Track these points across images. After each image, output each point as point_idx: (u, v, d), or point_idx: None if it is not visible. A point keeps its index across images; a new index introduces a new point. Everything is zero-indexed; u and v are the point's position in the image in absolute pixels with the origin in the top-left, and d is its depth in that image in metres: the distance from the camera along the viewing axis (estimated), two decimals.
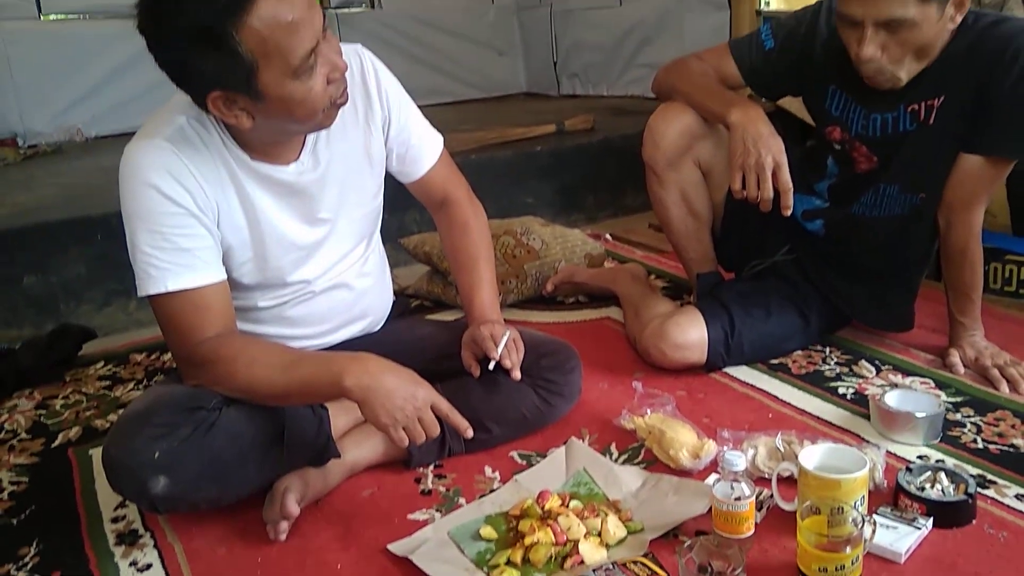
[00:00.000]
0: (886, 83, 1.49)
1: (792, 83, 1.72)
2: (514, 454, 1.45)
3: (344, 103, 1.22)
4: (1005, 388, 1.57)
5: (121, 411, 1.69)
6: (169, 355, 2.03)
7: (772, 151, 1.52)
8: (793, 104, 1.83)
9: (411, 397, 1.18)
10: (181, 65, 1.11)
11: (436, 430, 1.20)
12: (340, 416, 1.39)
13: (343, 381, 1.15)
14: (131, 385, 1.89)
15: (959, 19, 1.43)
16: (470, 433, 1.26)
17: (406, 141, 1.46)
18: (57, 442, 1.64)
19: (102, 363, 2.02)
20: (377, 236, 1.57)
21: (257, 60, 1.08)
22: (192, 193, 1.20)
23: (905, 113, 1.55)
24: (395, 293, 1.69)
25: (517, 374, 1.40)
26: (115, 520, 1.35)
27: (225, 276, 1.27)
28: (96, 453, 1.54)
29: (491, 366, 1.40)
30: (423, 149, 1.49)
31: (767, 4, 4.05)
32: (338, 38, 1.20)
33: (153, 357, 2.04)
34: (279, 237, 1.33)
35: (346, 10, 4.56)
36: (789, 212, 1.56)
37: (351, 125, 1.36)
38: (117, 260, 2.21)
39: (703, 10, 3.68)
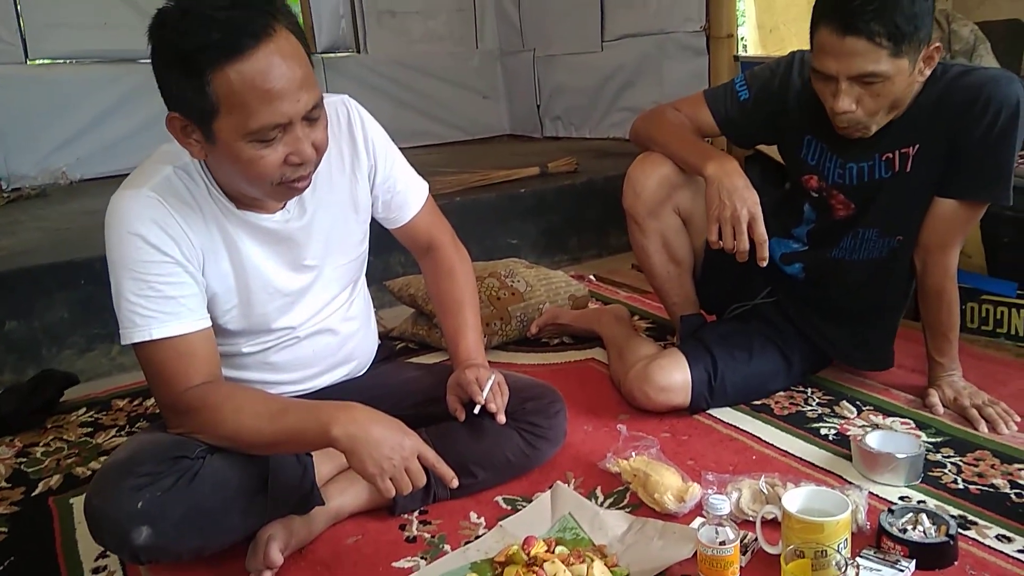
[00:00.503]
0: (857, 134, 1.53)
1: (768, 133, 1.76)
2: (499, 499, 1.45)
3: (303, 188, 1.22)
4: (984, 428, 1.59)
5: (103, 459, 1.68)
6: (152, 401, 2.02)
7: (747, 204, 1.55)
8: (772, 147, 1.88)
9: (398, 447, 1.17)
10: (160, 74, 1.12)
11: (423, 480, 1.19)
12: (324, 463, 1.38)
13: (330, 431, 1.15)
14: (113, 432, 1.87)
15: (928, 72, 1.48)
16: (456, 483, 1.25)
17: (392, 188, 1.47)
18: (37, 491, 1.62)
19: (84, 409, 2.01)
20: (362, 280, 1.58)
21: (219, 107, 1.08)
22: (177, 241, 1.21)
23: (880, 162, 1.59)
24: (380, 336, 1.69)
25: (502, 418, 1.41)
26: (96, 571, 1.34)
27: (210, 323, 1.27)
28: (77, 502, 1.52)
29: (476, 410, 1.40)
30: (408, 196, 1.51)
31: (744, 48, 4.16)
32: (325, 88, 1.21)
33: (136, 403, 2.03)
34: (264, 284, 1.34)
35: (332, 55, 4.62)
36: (765, 263, 1.59)
37: (337, 173, 1.37)
38: (100, 304, 2.22)
39: (682, 56, 3.76)
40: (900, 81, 1.44)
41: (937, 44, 1.45)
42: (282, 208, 1.31)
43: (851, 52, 1.40)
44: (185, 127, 1.14)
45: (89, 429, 1.90)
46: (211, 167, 1.24)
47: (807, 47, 1.54)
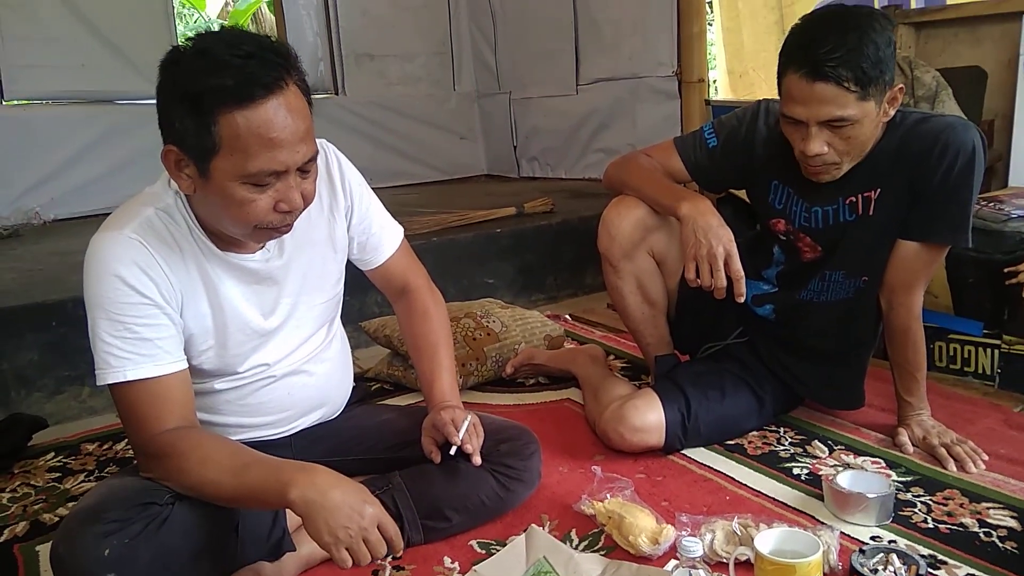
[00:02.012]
0: (828, 177, 1.56)
1: (736, 178, 1.80)
2: (474, 543, 1.44)
3: (283, 234, 1.26)
4: (952, 467, 1.61)
5: (71, 505, 1.65)
6: (122, 444, 1.99)
7: (722, 241, 1.58)
8: (742, 190, 1.93)
9: (357, 516, 1.11)
10: (164, 108, 1.15)
11: (382, 550, 1.14)
12: None
13: (288, 494, 1.11)
14: (82, 477, 1.84)
15: (892, 112, 1.53)
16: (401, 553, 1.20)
17: (367, 229, 1.50)
18: (2, 538, 1.58)
19: (52, 454, 1.97)
20: (338, 322, 1.59)
21: (220, 146, 1.12)
22: (157, 283, 1.22)
23: (844, 205, 1.63)
24: (355, 377, 1.69)
25: (478, 459, 1.40)
26: None
27: (186, 365, 1.27)
28: (43, 550, 1.49)
29: (452, 451, 1.40)
30: (383, 237, 1.53)
31: (716, 92, 4.26)
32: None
33: (106, 447, 2.00)
34: (242, 324, 1.34)
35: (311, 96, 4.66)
36: (743, 299, 1.61)
37: (316, 214, 1.39)
38: (71, 347, 2.20)
39: (655, 99, 3.83)
40: (868, 123, 1.48)
41: (900, 85, 1.50)
42: (262, 248, 1.33)
43: (820, 98, 1.44)
44: (180, 161, 1.16)
45: (57, 474, 1.86)
46: (195, 204, 1.25)
47: (775, 92, 1.58)
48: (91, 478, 1.83)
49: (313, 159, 1.20)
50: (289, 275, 1.38)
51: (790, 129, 1.54)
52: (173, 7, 4.29)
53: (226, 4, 9.74)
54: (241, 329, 1.34)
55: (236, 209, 1.17)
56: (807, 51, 1.44)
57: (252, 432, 1.45)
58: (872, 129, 1.50)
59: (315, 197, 1.35)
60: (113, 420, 2.17)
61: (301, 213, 1.23)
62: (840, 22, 1.44)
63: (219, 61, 1.09)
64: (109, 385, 1.21)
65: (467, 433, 1.40)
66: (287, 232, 1.26)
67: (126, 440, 2.01)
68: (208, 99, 1.09)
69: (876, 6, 3.33)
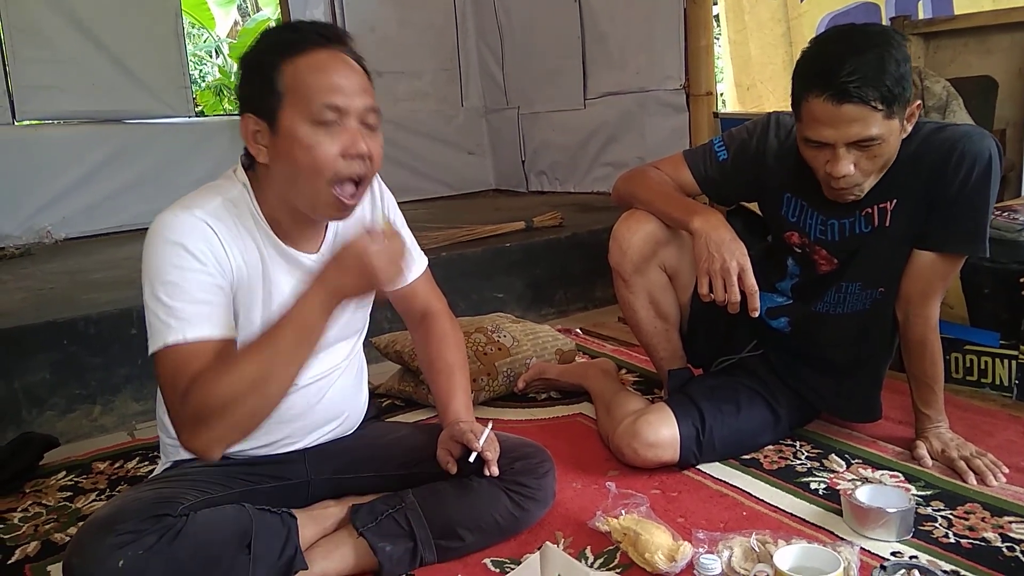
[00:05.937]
0: (852, 196, 1.54)
1: (747, 192, 1.79)
2: (487, 562, 1.42)
3: (352, 205, 1.28)
4: (972, 480, 1.59)
5: (82, 524, 1.64)
6: (134, 463, 1.99)
7: (736, 255, 1.57)
8: (753, 203, 1.92)
9: None
10: (240, 84, 1.27)
11: None
12: (308, 526, 1.37)
13: None
14: (93, 496, 1.83)
15: (910, 128, 1.51)
16: None
17: None
18: (14, 558, 1.57)
19: (64, 473, 1.97)
20: (361, 338, 1.59)
21: (284, 95, 1.21)
22: (219, 261, 1.24)
23: (860, 217, 1.61)
24: (368, 394, 1.68)
25: (495, 469, 1.40)
26: None
27: (236, 335, 1.26)
28: (55, 569, 1.49)
29: (472, 457, 1.39)
30: (412, 259, 1.58)
31: (724, 105, 4.25)
32: None
33: (117, 466, 1.99)
34: None
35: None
36: (757, 313, 1.60)
37: (357, 223, 1.41)
38: (82, 365, 2.20)
39: (663, 112, 3.84)
40: (893, 141, 1.46)
41: (918, 101, 1.49)
42: (318, 251, 1.37)
43: (848, 119, 1.41)
44: (256, 131, 1.24)
45: (68, 493, 1.85)
46: (266, 185, 1.29)
47: (782, 104, 1.57)
48: (102, 497, 1.82)
49: (376, 112, 1.25)
50: None
51: (813, 152, 1.51)
52: (183, 27, 4.32)
53: (235, 24, 9.84)
54: None
55: (305, 156, 1.20)
56: (829, 75, 1.41)
57: (268, 449, 1.44)
58: (895, 146, 1.48)
59: (359, 209, 1.38)
60: (124, 439, 2.17)
61: (370, 179, 1.28)
62: (857, 42, 1.41)
63: (283, 28, 1.26)
64: (166, 346, 1.18)
65: (487, 441, 1.40)
66: (355, 203, 1.28)
67: (138, 458, 2.01)
68: (269, 55, 1.21)
69: (884, 15, 3.33)
